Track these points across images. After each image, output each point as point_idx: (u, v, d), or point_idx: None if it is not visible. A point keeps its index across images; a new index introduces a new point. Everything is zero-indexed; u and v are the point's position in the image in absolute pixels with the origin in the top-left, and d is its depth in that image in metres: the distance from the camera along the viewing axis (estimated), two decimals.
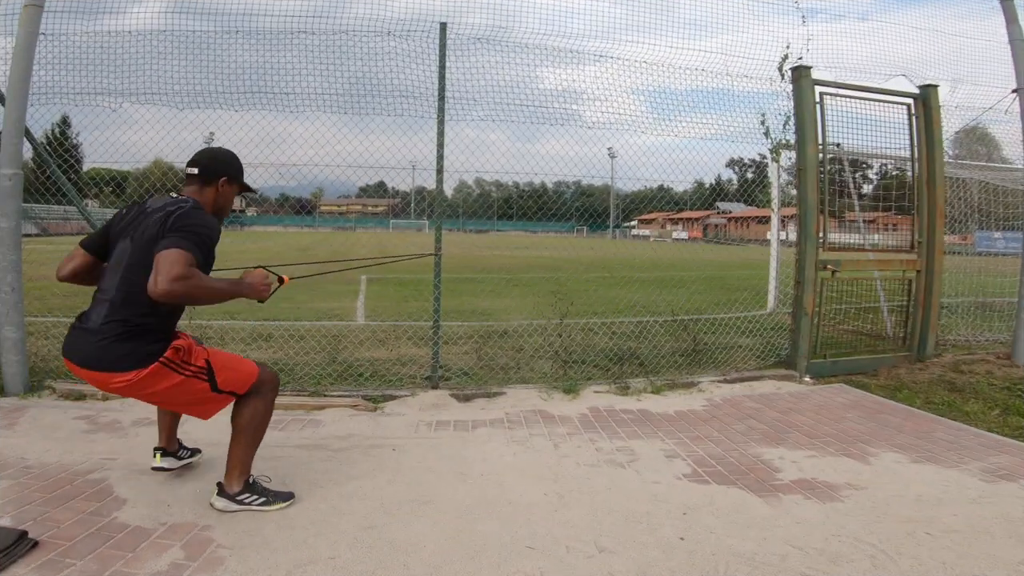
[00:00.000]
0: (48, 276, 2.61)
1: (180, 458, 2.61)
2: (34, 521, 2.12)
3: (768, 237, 8.40)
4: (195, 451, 2.71)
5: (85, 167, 5.01)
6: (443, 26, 4.07)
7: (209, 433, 2.83)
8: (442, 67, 4.07)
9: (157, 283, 1.81)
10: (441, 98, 4.08)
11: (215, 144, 4.08)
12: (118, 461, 2.75)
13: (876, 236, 5.81)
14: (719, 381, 4.47)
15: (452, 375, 4.40)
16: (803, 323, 4.70)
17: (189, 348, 2.12)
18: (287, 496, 2.37)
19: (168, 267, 1.83)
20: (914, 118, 5.14)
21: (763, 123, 5.02)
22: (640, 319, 6.75)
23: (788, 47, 4.81)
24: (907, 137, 5.14)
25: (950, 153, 6.45)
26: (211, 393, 2.16)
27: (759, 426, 3.52)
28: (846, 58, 5.17)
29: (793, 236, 5.39)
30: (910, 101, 5.13)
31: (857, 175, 6.51)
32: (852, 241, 5.35)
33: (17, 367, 3.68)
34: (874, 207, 5.81)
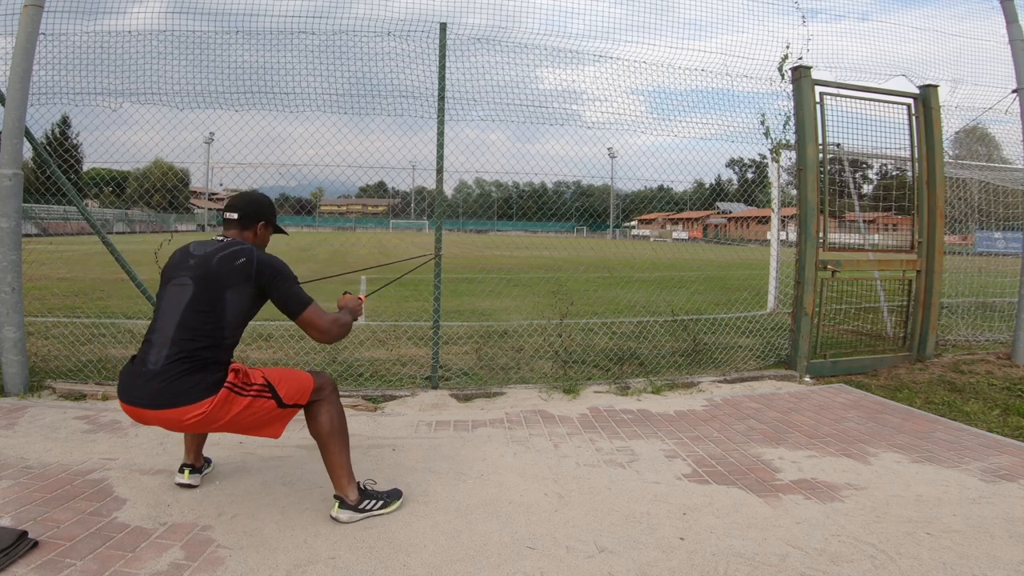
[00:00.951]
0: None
1: (203, 472, 2.60)
2: (34, 521, 2.12)
3: (768, 237, 8.40)
4: (209, 460, 2.71)
5: (85, 167, 5.01)
6: (443, 26, 4.08)
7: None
8: (442, 67, 4.08)
9: (322, 337, 2.23)
10: (441, 98, 4.08)
11: (214, 143, 4.08)
12: (118, 461, 2.75)
13: (876, 236, 5.82)
14: (719, 381, 4.48)
15: (452, 375, 4.40)
16: (803, 323, 4.70)
17: (245, 370, 2.13)
18: (399, 494, 2.42)
19: (320, 321, 2.21)
20: (914, 118, 5.14)
21: (763, 123, 5.03)
22: (640, 319, 6.75)
23: (788, 47, 4.82)
24: (907, 137, 5.14)
25: (950, 153, 6.46)
26: (278, 410, 2.17)
27: (759, 426, 3.52)
28: (846, 58, 5.18)
29: (793, 236, 5.39)
30: (910, 101, 5.13)
31: (857, 175, 6.52)
32: (852, 241, 5.36)
33: (17, 367, 3.68)
34: (874, 207, 5.81)
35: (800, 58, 4.80)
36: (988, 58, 5.63)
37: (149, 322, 2.14)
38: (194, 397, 1.99)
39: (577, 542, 2.14)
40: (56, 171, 3.95)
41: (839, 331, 5.56)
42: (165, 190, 5.21)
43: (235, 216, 2.30)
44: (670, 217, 36.85)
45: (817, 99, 4.74)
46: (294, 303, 2.18)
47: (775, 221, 7.43)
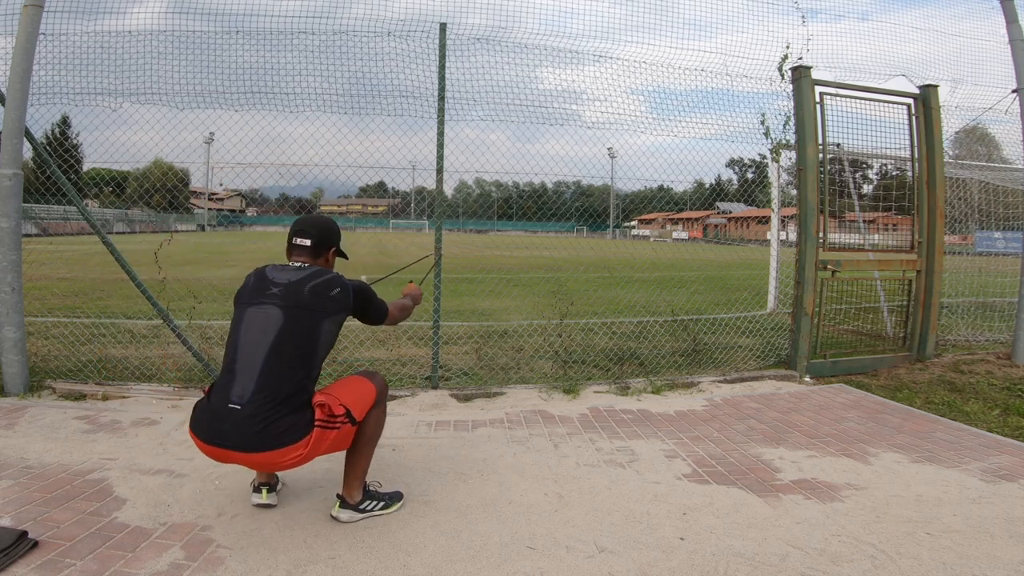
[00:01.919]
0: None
1: (277, 489, 2.49)
2: (34, 521, 2.12)
3: (768, 237, 8.40)
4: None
5: (85, 167, 5.01)
6: (443, 26, 4.08)
7: None
8: (442, 67, 4.08)
9: (389, 323, 2.51)
10: (441, 98, 4.08)
11: (214, 143, 4.08)
12: (118, 461, 2.75)
13: (876, 236, 5.82)
14: (719, 381, 4.48)
15: (452, 375, 4.40)
16: (803, 323, 4.70)
17: (328, 403, 2.09)
18: (400, 496, 2.42)
19: (392, 316, 2.48)
20: (914, 118, 5.14)
21: (763, 123, 5.03)
22: (640, 319, 6.75)
23: (788, 47, 4.82)
24: (907, 137, 5.14)
25: (950, 153, 6.46)
26: (352, 428, 2.17)
27: (759, 426, 3.52)
28: (846, 58, 5.18)
29: (793, 236, 5.39)
30: (910, 101, 5.13)
31: (857, 175, 6.52)
32: (852, 241, 5.36)
33: (17, 367, 3.68)
34: (874, 207, 5.81)
35: (800, 58, 4.80)
36: (988, 58, 5.64)
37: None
38: (290, 440, 1.96)
39: (577, 542, 2.14)
40: (56, 171, 3.95)
41: (839, 331, 5.56)
42: (165, 190, 5.21)
43: (308, 243, 2.26)
44: (670, 217, 36.87)
45: (817, 99, 4.74)
46: (380, 316, 2.40)
47: (775, 221, 7.43)
